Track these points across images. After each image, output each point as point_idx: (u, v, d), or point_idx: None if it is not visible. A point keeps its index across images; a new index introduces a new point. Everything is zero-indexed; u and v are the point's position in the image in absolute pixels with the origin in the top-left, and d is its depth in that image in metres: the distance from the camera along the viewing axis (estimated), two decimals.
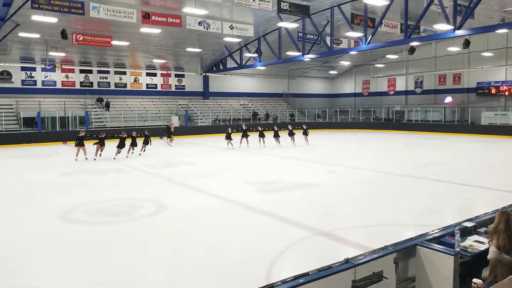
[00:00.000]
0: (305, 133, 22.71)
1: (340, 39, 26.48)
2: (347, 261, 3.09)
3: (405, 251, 3.42)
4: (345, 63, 37.98)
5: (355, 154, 18.42)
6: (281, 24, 22.99)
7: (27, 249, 6.08)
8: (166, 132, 23.33)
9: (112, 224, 7.49)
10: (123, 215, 8.05)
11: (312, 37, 25.12)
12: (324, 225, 7.07)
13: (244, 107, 37.14)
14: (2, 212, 8.22)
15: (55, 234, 6.81)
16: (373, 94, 40.64)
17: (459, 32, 17.36)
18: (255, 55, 28.83)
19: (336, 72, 43.41)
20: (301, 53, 25.31)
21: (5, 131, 24.31)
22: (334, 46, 24.84)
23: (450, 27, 17.54)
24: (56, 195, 9.96)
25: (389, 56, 35.51)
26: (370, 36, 21.08)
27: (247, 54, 29.93)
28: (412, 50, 24.34)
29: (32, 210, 8.44)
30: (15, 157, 17.56)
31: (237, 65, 31.00)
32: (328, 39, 24.10)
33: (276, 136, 21.80)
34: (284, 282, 2.74)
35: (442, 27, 19.25)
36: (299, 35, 24.89)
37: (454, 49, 29.39)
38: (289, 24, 22.91)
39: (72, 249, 6.13)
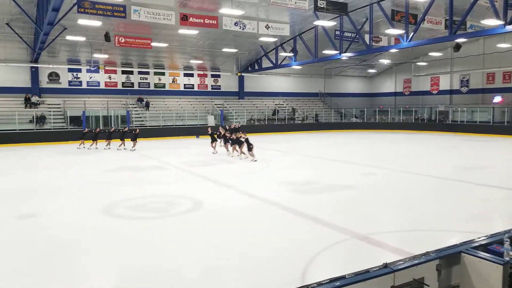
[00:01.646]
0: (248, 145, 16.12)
1: (380, 36, 25.80)
2: (386, 266, 2.99)
3: (448, 258, 3.27)
4: (385, 61, 36.97)
5: (395, 155, 17.90)
6: (318, 23, 22.71)
7: (71, 242, 6.36)
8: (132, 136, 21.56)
9: (151, 219, 7.69)
10: (162, 211, 8.25)
11: (349, 35, 24.64)
12: (362, 229, 6.90)
13: (279, 107, 37.05)
14: (49, 206, 8.63)
15: (97, 228, 7.09)
16: (415, 93, 39.29)
17: (509, 28, 16.43)
18: (291, 54, 28.67)
19: (375, 71, 42.36)
20: (338, 52, 24.90)
21: (53, 129, 25.57)
22: (373, 44, 24.22)
23: (500, 22, 16.63)
24: (99, 190, 10.36)
25: (432, 54, 34.12)
26: (412, 33, 20.38)
27: (282, 54, 29.82)
28: (457, 47, 23.32)
29: (77, 205, 8.82)
30: (62, 153, 18.39)
31: (272, 65, 30.96)
32: (366, 37, 23.55)
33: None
34: (319, 284, 2.69)
35: (491, 22, 18.25)
36: (336, 33, 24.48)
37: (504, 45, 27.87)
38: (326, 22, 22.58)
39: (112, 243, 6.35)
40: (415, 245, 5.92)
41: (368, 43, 23.30)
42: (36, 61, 26.82)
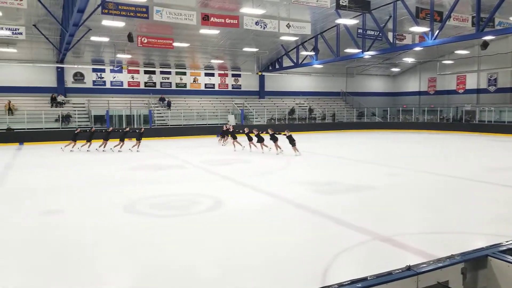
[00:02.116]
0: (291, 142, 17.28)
1: (404, 34, 25.36)
2: (409, 268, 2.91)
3: (474, 262, 3.14)
4: (409, 59, 36.24)
5: (419, 156, 17.52)
6: (340, 21, 22.46)
7: (93, 238, 6.47)
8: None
9: (172, 217, 7.76)
10: (182, 210, 8.31)
11: (372, 33, 24.29)
12: (384, 230, 6.77)
13: (299, 106, 36.86)
14: (72, 204, 8.82)
15: (118, 226, 7.19)
16: (440, 92, 38.38)
17: None
18: (312, 53, 28.47)
19: (399, 70, 41.60)
20: (360, 50, 24.58)
21: (78, 127, 26.16)
22: (397, 42, 23.81)
23: None
24: (121, 188, 10.52)
25: (459, 52, 33.25)
26: (437, 31, 19.91)
27: (303, 53, 29.65)
28: (485, 44, 22.63)
29: (100, 202, 8.98)
30: (86, 152, 18.78)
31: (293, 64, 30.82)
32: (390, 35, 23.14)
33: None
34: (341, 285, 2.63)
35: None
36: (359, 31, 24.18)
37: None
38: (348, 21, 22.32)
39: (133, 240, 6.41)
40: (439, 248, 5.76)
41: (391, 41, 22.89)
42: (61, 61, 27.53)
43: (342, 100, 40.86)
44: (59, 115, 26.44)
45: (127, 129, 20.51)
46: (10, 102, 25.88)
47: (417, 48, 26.82)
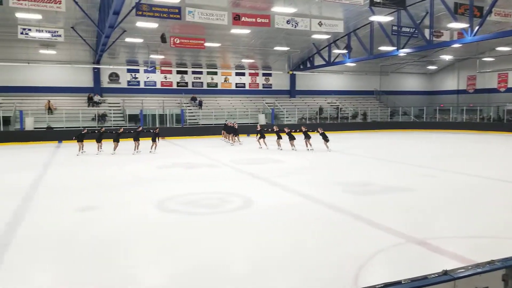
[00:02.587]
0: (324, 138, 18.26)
1: (441, 31, 24.46)
2: (445, 273, 2.76)
3: None
4: (447, 57, 34.96)
5: (457, 157, 16.85)
6: (374, 18, 21.96)
7: (125, 235, 6.61)
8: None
9: (203, 215, 7.82)
10: (213, 208, 8.36)
11: (408, 30, 23.58)
12: (419, 233, 6.52)
13: (331, 105, 36.37)
14: (108, 201, 9.06)
15: (150, 223, 7.29)
16: (480, 91, 36.79)
17: None
18: (345, 51, 28.01)
19: (436, 67, 40.22)
20: (395, 48, 23.94)
21: (113, 126, 26.95)
22: (434, 39, 23.00)
23: None
24: (153, 186, 10.69)
25: (500, 49, 31.68)
26: (477, 27, 19.05)
27: (336, 51, 29.22)
28: None
29: (133, 200, 9.16)
30: (119, 150, 19.25)
31: (325, 62, 30.44)
32: (426, 32, 22.40)
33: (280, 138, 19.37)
34: None
35: None
36: (394, 28, 23.54)
37: None
38: (383, 18, 21.78)
39: (164, 238, 6.50)
40: (478, 253, 5.49)
41: (428, 38, 22.14)
42: (98, 62, 28.43)
43: (375, 99, 39.97)
44: (95, 114, 27.34)
45: (140, 128, 19.21)
46: (49, 101, 27.00)
47: (456, 45, 25.81)
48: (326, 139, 18.16)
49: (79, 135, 17.55)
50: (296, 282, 4.88)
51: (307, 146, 18.55)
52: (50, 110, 26.75)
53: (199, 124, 29.51)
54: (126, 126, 25.55)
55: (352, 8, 22.09)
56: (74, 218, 7.65)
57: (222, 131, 24.55)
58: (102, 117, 27.52)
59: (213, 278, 4.96)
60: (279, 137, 19.53)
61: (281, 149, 18.81)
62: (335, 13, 23.09)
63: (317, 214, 7.85)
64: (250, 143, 23.00)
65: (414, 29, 22.81)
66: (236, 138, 22.06)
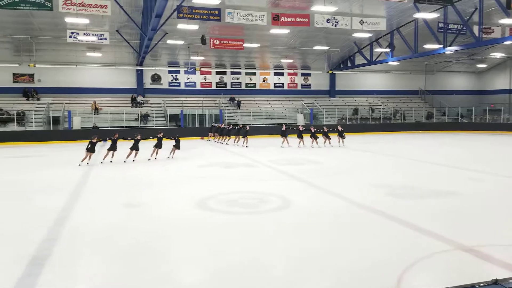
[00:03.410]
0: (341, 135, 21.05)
1: (492, 27, 23.23)
2: (495, 282, 2.58)
3: None
4: (498, 54, 33.14)
5: (508, 160, 15.88)
6: (418, 15, 21.18)
7: (169, 232, 6.73)
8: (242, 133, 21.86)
9: (242, 215, 7.82)
10: (251, 208, 8.35)
11: (455, 27, 22.57)
12: (467, 239, 6.16)
13: (373, 105, 35.48)
14: (150, 198, 9.28)
15: (190, 221, 7.39)
16: None
17: None
18: (387, 49, 27.22)
19: (486, 66, 38.22)
20: (441, 46, 22.98)
21: (155, 126, 27.75)
22: (484, 36, 21.86)
23: None
24: (193, 185, 10.86)
25: None
26: None
27: (378, 49, 28.48)
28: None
29: (174, 197, 9.35)
30: (162, 149, 19.70)
31: (366, 61, 29.76)
32: (475, 29, 21.31)
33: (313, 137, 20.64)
34: None
35: None
36: (440, 25, 22.60)
37: None
38: (428, 15, 20.95)
39: (203, 236, 6.55)
40: None
41: (477, 35, 21.04)
42: (141, 64, 29.35)
43: (420, 99, 38.59)
44: (138, 114, 28.25)
45: (161, 134, 16.11)
46: (95, 102, 28.18)
47: (507, 42, 24.36)
48: (342, 136, 20.78)
49: (90, 145, 14.43)
50: (335, 284, 4.75)
51: (324, 143, 20.80)
52: (96, 110, 27.92)
53: (237, 124, 29.68)
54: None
55: (395, 6, 21.44)
56: (119, 214, 7.89)
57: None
58: (145, 117, 28.38)
59: (250, 277, 4.94)
60: (300, 137, 20.63)
61: (299, 147, 20.19)
62: (377, 11, 22.49)
63: (357, 217, 7.62)
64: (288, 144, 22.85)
65: (461, 25, 21.78)
66: (246, 140, 21.67)
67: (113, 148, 15.18)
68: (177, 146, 16.21)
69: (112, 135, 15.43)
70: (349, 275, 4.98)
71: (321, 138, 20.73)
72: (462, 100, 38.02)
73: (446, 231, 6.56)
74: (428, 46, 25.11)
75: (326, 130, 20.74)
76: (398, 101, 37.16)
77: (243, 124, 24.28)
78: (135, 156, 15.59)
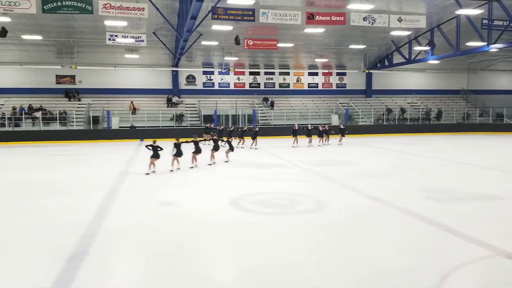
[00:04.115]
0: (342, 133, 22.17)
1: None
2: None
3: None
4: None
5: None
6: (461, 12, 20.23)
7: (200, 230, 6.78)
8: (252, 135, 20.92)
9: (274, 215, 7.77)
10: (284, 208, 8.28)
11: (501, 23, 21.41)
12: (510, 246, 5.79)
13: (411, 106, 34.34)
14: (185, 197, 9.39)
15: (225, 220, 7.43)
16: None
17: None
18: (427, 48, 26.24)
19: None
20: (485, 43, 21.85)
21: (189, 126, 28.15)
22: None
23: None
24: (227, 184, 10.93)
25: None
26: None
27: (417, 48, 27.50)
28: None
29: (208, 197, 9.44)
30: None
31: (405, 60, 28.82)
32: None
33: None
34: None
35: None
36: (484, 22, 21.50)
37: None
38: (471, 11, 19.97)
39: (236, 235, 6.57)
40: None
41: None
42: (176, 65, 29.83)
43: (462, 99, 36.96)
44: (173, 115, 28.76)
45: (180, 140, 13.25)
46: (133, 102, 28.95)
47: None
48: (343, 134, 21.91)
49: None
50: None
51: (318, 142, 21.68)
52: (133, 110, 28.68)
53: (270, 125, 29.61)
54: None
55: (436, 2, 20.62)
56: (154, 213, 8.03)
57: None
58: (180, 117, 28.85)
59: (281, 277, 4.89)
60: (309, 136, 21.40)
61: (308, 146, 20.87)
62: (416, 8, 21.71)
63: (394, 221, 7.35)
64: (322, 145, 22.49)
65: (508, 22, 20.62)
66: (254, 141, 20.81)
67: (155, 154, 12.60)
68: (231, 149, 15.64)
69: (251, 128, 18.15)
70: (384, 280, 4.80)
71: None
72: (507, 100, 36.02)
73: (488, 237, 6.22)
74: (471, 43, 23.96)
75: (321, 129, 21.78)
76: (438, 101, 35.75)
77: (248, 126, 24.12)
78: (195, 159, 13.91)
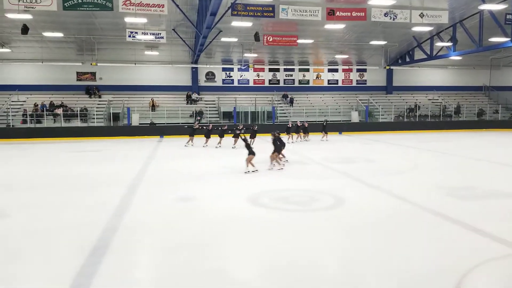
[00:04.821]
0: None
1: None
2: None
3: None
4: None
5: None
6: (484, 7, 19.73)
7: (222, 227, 6.82)
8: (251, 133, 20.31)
9: (293, 212, 7.77)
10: (303, 205, 8.27)
11: None
12: None
13: (433, 102, 33.74)
14: (203, 192, 9.49)
15: (242, 216, 7.47)
16: None
17: None
18: (449, 44, 25.70)
19: None
20: (509, 39, 21.28)
21: (208, 123, 28.31)
22: None
23: None
24: (245, 180, 10.98)
25: None
26: None
27: (439, 44, 26.95)
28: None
29: (226, 192, 9.52)
30: (213, 145, 20.12)
31: (426, 56, 28.29)
32: None
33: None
34: None
35: None
36: (508, 17, 20.97)
37: None
38: (494, 6, 19.45)
39: (255, 232, 6.60)
40: None
41: None
42: (196, 62, 30.05)
43: (484, 96, 36.13)
44: (193, 111, 28.99)
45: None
46: (153, 99, 29.32)
47: None
48: (305, 132, 22.08)
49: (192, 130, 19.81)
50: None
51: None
52: (153, 107, 29.05)
53: (290, 122, 29.52)
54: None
55: None
56: (174, 208, 8.14)
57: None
58: (199, 114, 29.07)
59: (300, 276, 4.87)
60: (298, 132, 21.76)
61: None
62: (438, 3, 21.29)
63: (414, 219, 7.28)
64: (342, 141, 22.35)
65: None
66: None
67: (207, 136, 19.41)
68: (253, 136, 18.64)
69: (250, 127, 19.61)
70: (404, 279, 4.77)
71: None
72: None
73: (509, 234, 6.11)
74: (494, 39, 23.36)
75: (299, 125, 22.15)
76: (460, 98, 35.03)
77: (244, 124, 23.70)
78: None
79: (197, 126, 20.63)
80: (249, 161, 11.98)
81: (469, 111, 32.86)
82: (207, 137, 19.78)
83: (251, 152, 12.00)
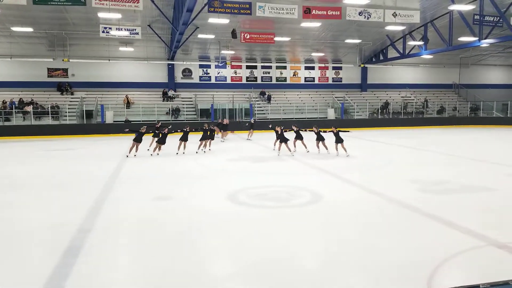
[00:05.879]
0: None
1: None
2: None
3: None
4: None
5: None
6: (454, 7, 20.47)
7: (200, 225, 6.83)
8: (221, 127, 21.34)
9: (271, 208, 7.86)
10: (281, 202, 8.38)
11: (491, 19, 21.68)
12: (501, 236, 5.99)
13: (405, 100, 34.63)
14: (181, 191, 9.49)
15: (223, 214, 7.47)
16: None
17: None
18: (421, 43, 26.46)
19: None
20: (477, 38, 22.12)
21: (185, 120, 28.16)
22: None
23: None
24: (223, 178, 11.03)
25: None
26: None
27: (411, 43, 27.72)
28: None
29: (204, 191, 9.50)
30: (192, 143, 20.05)
31: (399, 55, 29.05)
32: None
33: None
34: None
35: None
36: (475, 17, 21.76)
37: None
38: (463, 6, 20.18)
39: (234, 229, 6.65)
40: None
41: None
42: (172, 58, 29.79)
43: (454, 93, 37.38)
44: (169, 109, 28.75)
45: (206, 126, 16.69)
46: (127, 96, 28.88)
47: None
48: (339, 140, 15.17)
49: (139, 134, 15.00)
50: (366, 281, 4.74)
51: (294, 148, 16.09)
52: (128, 104, 28.63)
53: (267, 119, 29.73)
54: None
55: None
56: (151, 206, 8.06)
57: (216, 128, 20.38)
58: (176, 111, 28.85)
59: (280, 272, 4.96)
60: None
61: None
62: (411, 3, 21.89)
63: (389, 213, 7.54)
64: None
65: (498, 17, 20.88)
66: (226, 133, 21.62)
67: (185, 139, 15.78)
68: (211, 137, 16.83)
69: (185, 127, 16.03)
70: (380, 272, 4.94)
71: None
72: (498, 94, 36.49)
73: (479, 227, 6.41)
74: (463, 38, 24.23)
75: (252, 123, 22.65)
76: (431, 95, 36.11)
77: (212, 123, 22.80)
78: (184, 148, 15.97)
79: (144, 130, 15.61)
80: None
81: (439, 108, 33.91)
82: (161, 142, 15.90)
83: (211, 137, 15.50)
